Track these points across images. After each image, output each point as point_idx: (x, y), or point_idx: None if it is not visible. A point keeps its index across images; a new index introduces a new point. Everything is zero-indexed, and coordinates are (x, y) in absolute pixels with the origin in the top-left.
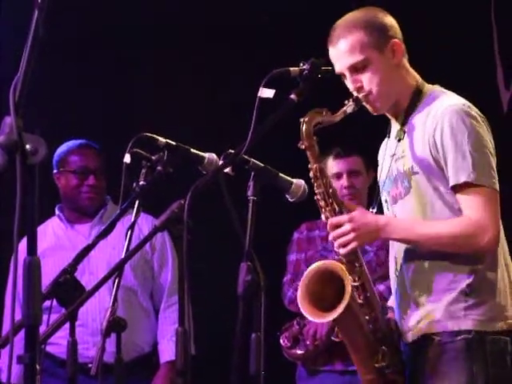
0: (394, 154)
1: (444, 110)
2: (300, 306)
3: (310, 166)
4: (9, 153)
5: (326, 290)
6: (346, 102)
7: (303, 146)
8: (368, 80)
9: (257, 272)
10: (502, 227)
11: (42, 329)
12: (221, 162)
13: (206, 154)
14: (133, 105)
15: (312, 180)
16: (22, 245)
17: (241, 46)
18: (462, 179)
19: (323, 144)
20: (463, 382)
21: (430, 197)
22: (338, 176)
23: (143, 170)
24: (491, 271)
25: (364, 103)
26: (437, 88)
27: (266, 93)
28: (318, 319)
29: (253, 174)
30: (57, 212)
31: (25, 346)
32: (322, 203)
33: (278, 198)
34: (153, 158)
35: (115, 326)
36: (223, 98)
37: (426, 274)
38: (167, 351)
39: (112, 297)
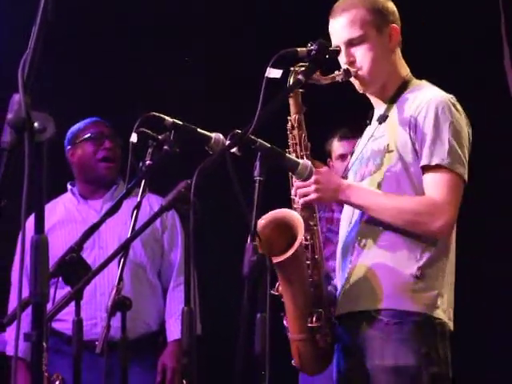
0: (372, 136)
1: (432, 98)
2: None
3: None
4: (17, 130)
5: (278, 239)
6: (337, 71)
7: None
8: (362, 56)
9: (262, 252)
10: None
11: (48, 304)
12: (227, 142)
13: (213, 134)
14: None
15: (288, 130)
16: (30, 222)
17: (241, 46)
18: (436, 161)
19: (330, 126)
20: (411, 363)
21: (399, 175)
22: (343, 157)
23: (150, 150)
24: (442, 262)
25: (353, 78)
26: (424, 82)
27: (274, 73)
28: None
29: (259, 154)
30: (69, 187)
31: (32, 323)
32: (293, 155)
33: (284, 179)
34: (159, 137)
35: (120, 305)
36: (223, 99)
37: (380, 247)
38: (175, 329)
39: (117, 276)
